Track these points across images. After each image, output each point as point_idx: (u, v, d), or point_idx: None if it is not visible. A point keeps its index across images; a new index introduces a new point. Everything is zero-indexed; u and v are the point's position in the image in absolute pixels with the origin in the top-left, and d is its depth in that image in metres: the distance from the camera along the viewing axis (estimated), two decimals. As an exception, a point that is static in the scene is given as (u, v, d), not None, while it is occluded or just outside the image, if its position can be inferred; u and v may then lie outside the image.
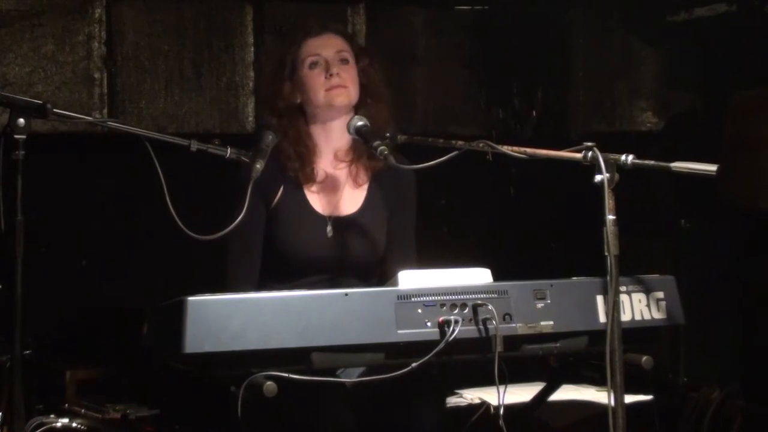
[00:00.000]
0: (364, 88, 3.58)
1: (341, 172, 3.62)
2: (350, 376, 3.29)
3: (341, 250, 3.53)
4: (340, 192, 3.60)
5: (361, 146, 3.55)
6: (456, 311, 3.05)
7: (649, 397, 3.98)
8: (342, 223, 3.56)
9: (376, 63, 3.63)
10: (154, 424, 4.12)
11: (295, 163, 3.54)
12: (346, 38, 3.59)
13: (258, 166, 3.24)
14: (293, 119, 3.53)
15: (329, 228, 3.54)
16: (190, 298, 2.87)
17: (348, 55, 3.55)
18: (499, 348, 3.04)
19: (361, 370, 3.23)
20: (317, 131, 3.57)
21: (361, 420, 3.25)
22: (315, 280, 3.47)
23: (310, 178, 3.56)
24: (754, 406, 4.21)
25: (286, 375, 2.91)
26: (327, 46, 3.54)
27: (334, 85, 3.50)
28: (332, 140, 3.58)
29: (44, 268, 3.68)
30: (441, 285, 3.09)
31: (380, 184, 3.63)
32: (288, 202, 3.53)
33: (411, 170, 3.37)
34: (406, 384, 3.17)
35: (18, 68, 4.67)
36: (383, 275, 3.57)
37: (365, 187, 3.63)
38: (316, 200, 3.57)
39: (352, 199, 3.61)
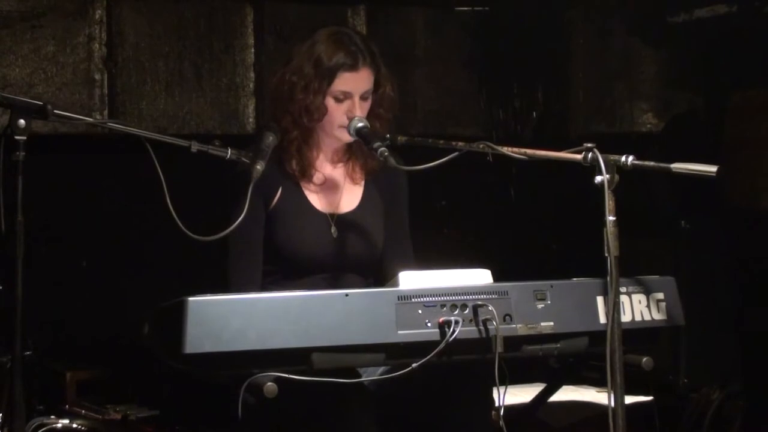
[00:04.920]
0: (377, 113, 3.55)
1: (339, 171, 3.62)
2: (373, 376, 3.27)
3: (345, 248, 3.53)
4: (340, 190, 3.61)
5: (357, 145, 3.56)
6: (456, 312, 3.05)
7: (649, 398, 3.99)
8: (344, 221, 3.57)
9: (392, 83, 3.59)
10: (154, 424, 4.12)
11: (296, 162, 3.53)
12: (374, 69, 3.52)
13: (258, 167, 3.24)
14: (306, 129, 3.53)
15: (333, 227, 3.55)
16: (191, 299, 2.87)
17: (370, 90, 3.52)
18: (499, 349, 3.04)
19: (381, 369, 3.22)
20: (321, 137, 3.57)
21: (386, 423, 3.25)
22: (317, 279, 3.47)
23: (310, 177, 3.56)
24: (754, 407, 4.22)
25: (286, 375, 2.92)
26: (360, 84, 3.47)
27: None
28: (333, 144, 3.59)
29: (44, 269, 3.69)
30: (441, 286, 3.09)
31: (375, 181, 3.64)
32: (288, 202, 3.53)
33: (403, 167, 3.36)
34: (440, 385, 3.21)
35: (18, 69, 4.67)
36: (383, 272, 3.57)
37: (362, 184, 3.63)
38: (315, 199, 3.57)
39: (350, 197, 3.62)
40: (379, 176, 3.63)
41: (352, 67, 3.47)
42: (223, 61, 5.00)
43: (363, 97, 3.50)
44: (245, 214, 3.19)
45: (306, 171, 3.55)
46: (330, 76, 3.46)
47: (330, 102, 3.48)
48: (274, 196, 3.52)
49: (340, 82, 3.47)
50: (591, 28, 5.38)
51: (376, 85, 3.54)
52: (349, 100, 3.48)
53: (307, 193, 3.56)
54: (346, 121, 3.48)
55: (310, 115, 3.48)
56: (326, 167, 3.60)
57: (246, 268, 3.47)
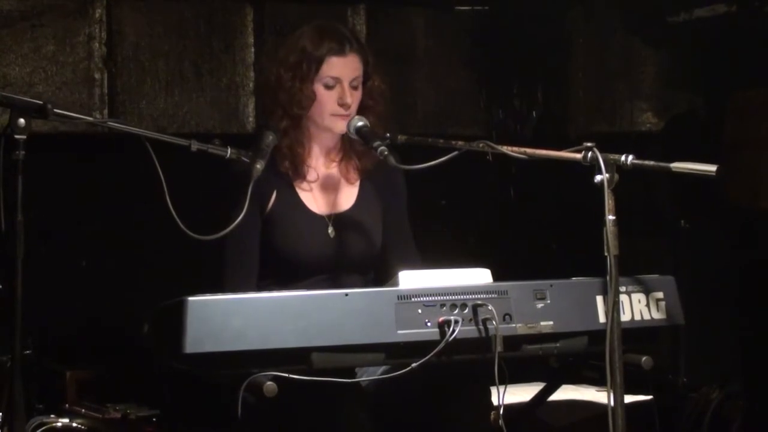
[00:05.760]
0: (367, 105, 3.56)
1: (333, 170, 3.62)
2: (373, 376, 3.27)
3: (343, 248, 3.53)
4: (335, 190, 3.61)
5: (351, 144, 3.57)
6: (456, 311, 3.05)
7: (648, 398, 3.99)
8: (341, 221, 3.57)
9: (381, 76, 3.61)
10: (154, 424, 4.12)
11: (290, 162, 3.53)
12: (362, 57, 3.54)
13: (258, 166, 3.24)
14: (297, 120, 3.53)
15: (330, 228, 3.55)
16: (191, 298, 2.87)
17: (360, 79, 3.53)
18: (499, 348, 3.05)
19: (381, 369, 3.22)
20: (313, 131, 3.57)
21: (382, 423, 3.25)
22: (317, 281, 3.47)
23: (304, 178, 3.56)
24: (754, 407, 4.22)
25: (286, 375, 2.92)
26: (347, 70, 3.50)
27: (339, 113, 3.49)
28: (326, 140, 3.59)
29: (44, 268, 3.68)
30: (441, 285, 3.09)
31: (371, 179, 3.64)
32: (283, 205, 3.52)
33: (403, 167, 3.37)
34: (440, 385, 3.22)
35: (18, 68, 4.67)
36: (388, 272, 3.56)
37: (357, 183, 3.64)
38: (311, 200, 3.57)
39: (346, 196, 3.62)
40: (374, 175, 3.63)
41: (339, 52, 3.49)
42: (223, 61, 5.00)
43: (352, 86, 3.51)
44: (245, 214, 3.19)
45: (299, 170, 3.54)
46: (318, 61, 3.48)
47: (320, 89, 3.49)
48: (269, 200, 3.51)
49: (328, 67, 3.48)
50: (591, 27, 5.38)
51: (365, 76, 3.55)
52: (339, 86, 3.49)
53: (301, 194, 3.56)
54: (337, 109, 3.48)
55: (299, 104, 3.48)
56: (320, 167, 3.60)
57: (241, 270, 3.47)
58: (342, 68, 3.49)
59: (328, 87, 3.49)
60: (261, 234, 3.50)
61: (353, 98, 3.50)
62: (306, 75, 3.48)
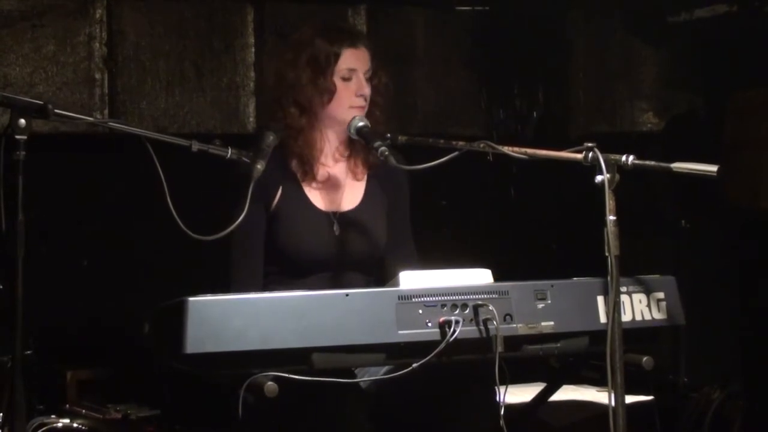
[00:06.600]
0: (374, 100, 3.57)
1: (341, 167, 3.63)
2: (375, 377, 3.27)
3: (347, 246, 3.54)
4: (342, 188, 3.62)
5: (358, 141, 3.57)
6: (457, 312, 3.05)
7: (649, 398, 3.99)
8: (346, 219, 3.57)
9: (386, 72, 3.64)
10: (155, 424, 4.12)
11: (300, 162, 3.54)
12: (371, 52, 3.59)
13: (259, 166, 3.25)
14: (315, 117, 3.54)
15: (335, 225, 3.55)
16: (191, 299, 2.87)
17: (369, 73, 3.57)
18: (499, 348, 3.04)
19: (383, 370, 3.23)
20: (328, 128, 3.58)
21: (383, 424, 3.25)
22: (320, 278, 3.48)
23: (312, 176, 3.57)
24: (754, 407, 4.22)
25: (286, 375, 2.92)
26: (361, 62, 3.54)
27: (358, 105, 3.51)
28: (338, 136, 3.60)
29: (45, 268, 3.69)
30: (442, 285, 3.09)
31: (377, 177, 3.66)
32: (289, 202, 3.53)
33: (404, 167, 3.38)
34: (443, 386, 3.22)
35: (19, 69, 4.67)
36: (386, 272, 3.56)
37: (364, 181, 3.65)
38: (317, 198, 3.58)
39: (352, 194, 3.63)
40: (381, 172, 3.64)
41: (353, 44, 3.53)
42: (224, 61, 5.00)
43: (366, 79, 3.54)
44: (245, 214, 3.19)
45: (308, 169, 3.56)
46: (335, 54, 3.51)
47: (338, 82, 3.51)
48: (275, 197, 3.52)
49: (345, 59, 3.52)
50: (591, 28, 5.38)
51: (372, 72, 3.58)
52: (355, 77, 3.52)
53: (308, 191, 3.57)
54: (356, 101, 3.51)
55: (320, 98, 3.50)
56: (328, 164, 3.62)
57: (246, 267, 3.48)
58: (357, 60, 3.53)
59: (345, 79, 3.52)
60: (266, 231, 3.50)
61: (368, 90, 3.52)
62: (324, 69, 3.50)
